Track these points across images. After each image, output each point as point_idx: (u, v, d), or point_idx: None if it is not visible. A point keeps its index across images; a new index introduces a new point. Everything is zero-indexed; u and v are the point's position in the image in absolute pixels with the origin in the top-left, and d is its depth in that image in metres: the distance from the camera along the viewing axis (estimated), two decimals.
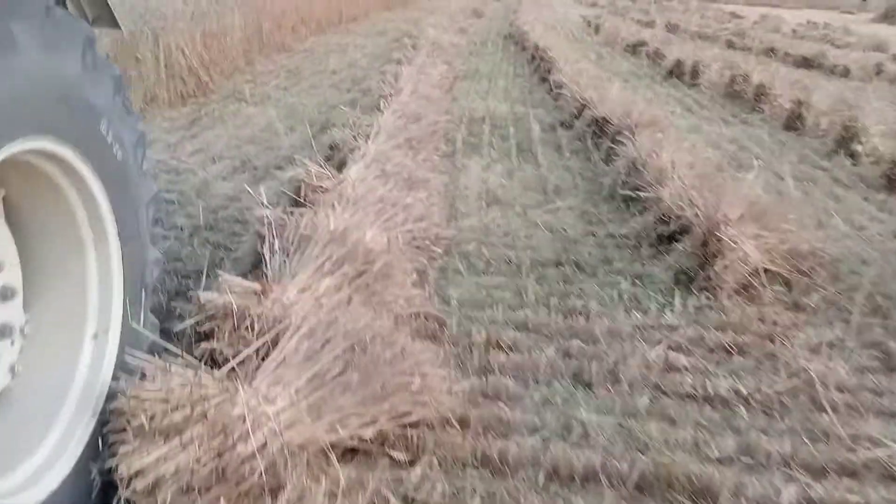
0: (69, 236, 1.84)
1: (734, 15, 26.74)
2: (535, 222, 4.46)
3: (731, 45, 16.05)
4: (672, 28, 19.36)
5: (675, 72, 10.73)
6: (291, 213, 3.21)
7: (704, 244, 3.50)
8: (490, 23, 19.94)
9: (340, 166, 4.68)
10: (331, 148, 4.87)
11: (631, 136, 5.61)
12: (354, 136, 5.13)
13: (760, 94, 8.44)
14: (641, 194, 4.56)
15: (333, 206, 3.47)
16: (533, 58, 11.54)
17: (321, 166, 4.22)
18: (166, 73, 7.11)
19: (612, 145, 5.68)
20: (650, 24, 20.72)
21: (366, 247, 3.05)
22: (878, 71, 11.83)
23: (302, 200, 3.83)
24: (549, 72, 9.67)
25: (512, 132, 6.90)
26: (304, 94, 8.17)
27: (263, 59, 10.36)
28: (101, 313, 1.91)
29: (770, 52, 14.43)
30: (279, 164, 5.35)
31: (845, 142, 6.46)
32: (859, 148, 6.34)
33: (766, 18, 24.77)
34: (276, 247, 3.02)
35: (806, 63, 12.65)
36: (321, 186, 3.92)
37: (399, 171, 4.55)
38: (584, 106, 7.20)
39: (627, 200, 4.77)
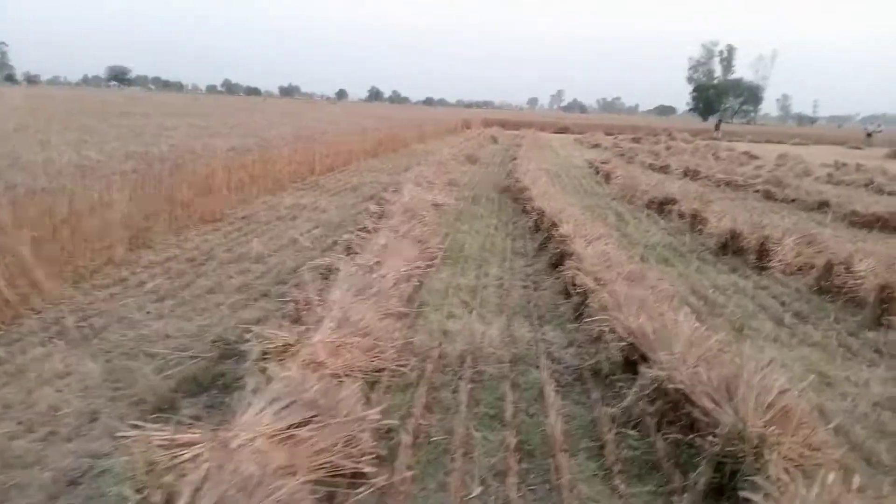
0: None
1: (750, 156, 24.84)
2: None
3: (769, 196, 13.55)
4: (692, 174, 17.04)
5: (731, 246, 7.92)
6: None
7: None
8: (485, 170, 17.63)
9: None
10: None
11: (757, 463, 2.63)
12: None
13: (888, 298, 5.53)
14: None
15: None
16: (537, 226, 8.80)
17: None
18: None
19: (724, 479, 2.64)
20: (664, 169, 18.51)
21: None
22: None
23: None
24: (561, 256, 6.84)
25: (509, 403, 3.87)
26: (182, 309, 5.22)
27: (171, 238, 7.59)
28: None
29: (823, 206, 11.86)
30: None
31: None
32: None
33: (785, 159, 22.68)
34: None
35: (885, 225, 9.95)
36: None
37: None
38: (630, 344, 4.25)
39: None
